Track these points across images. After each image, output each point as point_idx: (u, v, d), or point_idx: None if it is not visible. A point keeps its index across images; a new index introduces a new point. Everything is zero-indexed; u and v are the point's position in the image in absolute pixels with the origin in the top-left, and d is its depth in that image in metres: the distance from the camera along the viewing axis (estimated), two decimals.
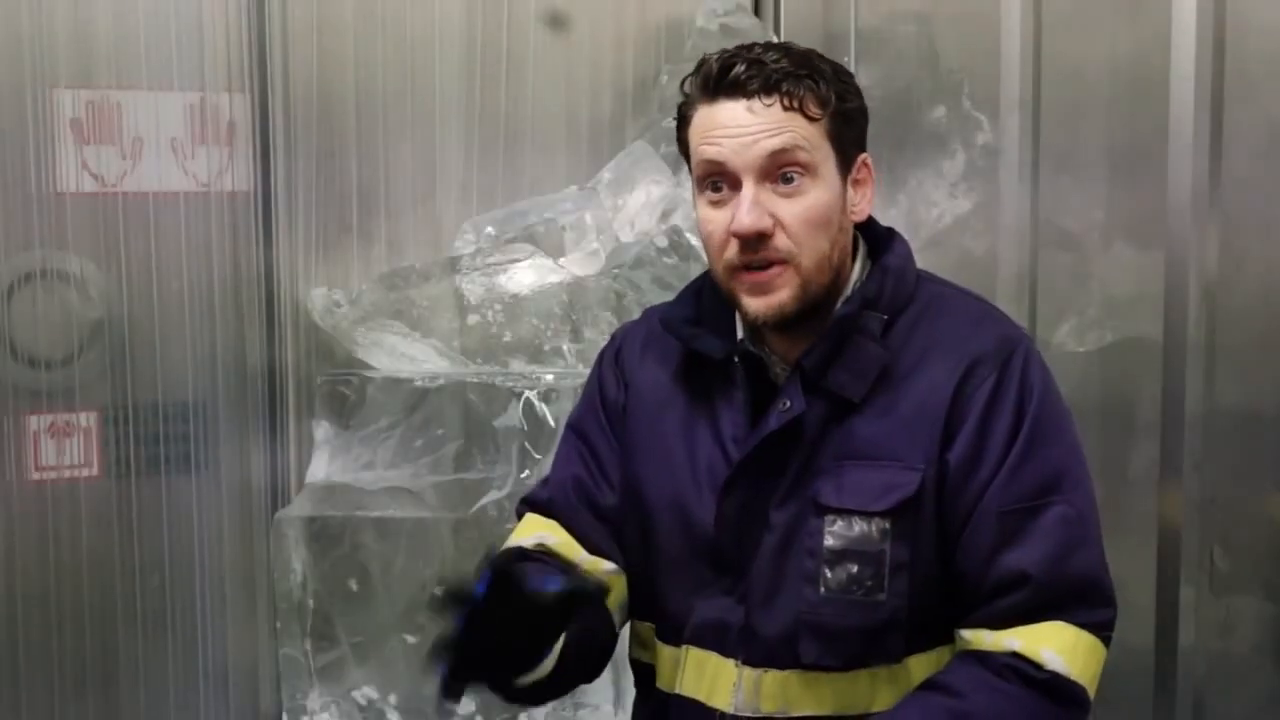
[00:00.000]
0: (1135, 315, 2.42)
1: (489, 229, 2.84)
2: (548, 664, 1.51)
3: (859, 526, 1.52)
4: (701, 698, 1.59)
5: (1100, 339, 2.53)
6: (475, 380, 2.65)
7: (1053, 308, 2.58)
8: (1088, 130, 2.54)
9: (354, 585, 2.64)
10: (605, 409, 1.72)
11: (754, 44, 1.57)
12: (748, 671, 1.56)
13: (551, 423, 2.58)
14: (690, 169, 1.59)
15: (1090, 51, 2.54)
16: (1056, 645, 1.49)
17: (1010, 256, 2.61)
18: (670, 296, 2.31)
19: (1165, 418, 2.27)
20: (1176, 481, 2.25)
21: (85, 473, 2.70)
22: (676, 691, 1.61)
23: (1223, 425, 2.25)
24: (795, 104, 1.50)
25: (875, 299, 1.56)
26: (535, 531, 1.70)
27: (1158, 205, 2.27)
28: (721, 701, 1.57)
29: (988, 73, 2.65)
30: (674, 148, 2.85)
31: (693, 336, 1.62)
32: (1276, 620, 2.31)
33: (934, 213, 2.79)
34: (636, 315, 2.65)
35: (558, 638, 1.48)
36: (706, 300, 1.65)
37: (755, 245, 1.50)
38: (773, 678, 1.55)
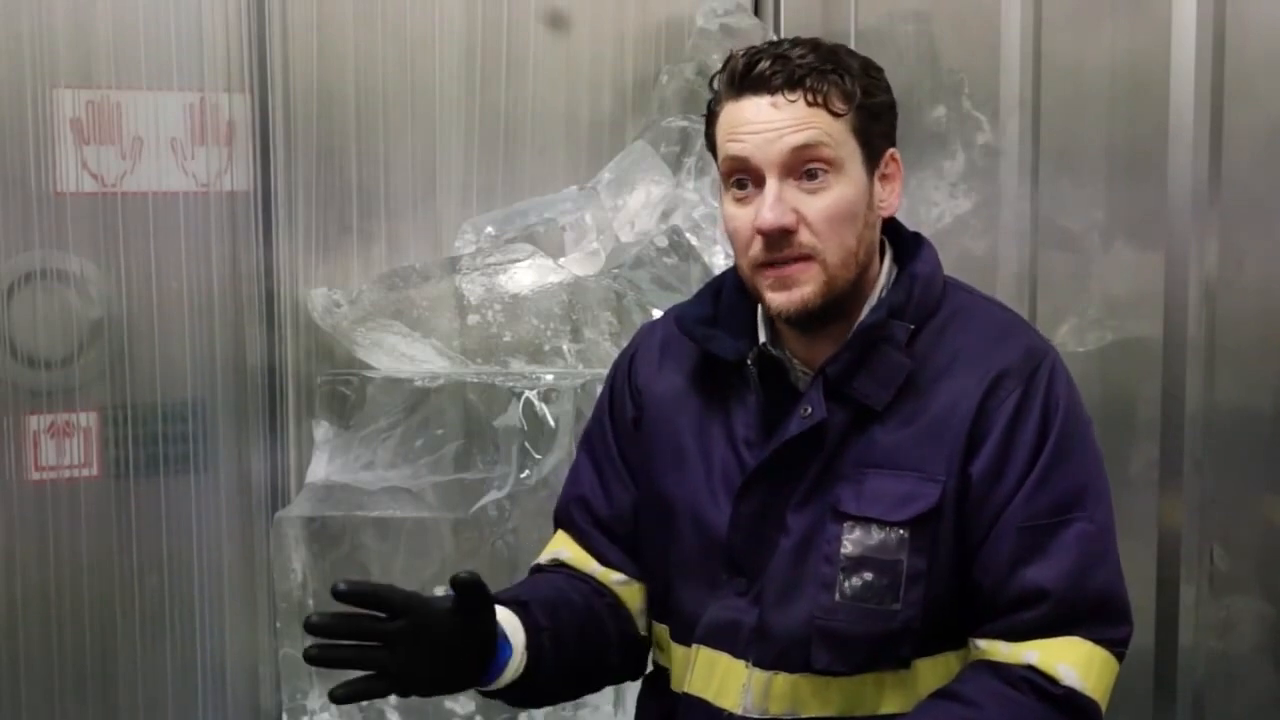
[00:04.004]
0: (1135, 315, 2.41)
1: (489, 229, 2.84)
2: (513, 665, 1.54)
3: (877, 535, 1.51)
4: (710, 698, 1.59)
5: (1100, 339, 2.52)
6: (475, 380, 2.65)
7: (1053, 308, 2.58)
8: (1088, 130, 2.54)
9: None
10: (614, 423, 1.73)
11: (782, 40, 1.57)
12: (757, 673, 1.56)
13: (551, 423, 2.58)
14: (717, 166, 1.58)
15: (1090, 51, 2.54)
16: (1072, 660, 1.49)
17: (1010, 256, 2.61)
18: (670, 296, 2.32)
19: (1165, 418, 2.27)
20: (1176, 481, 2.25)
21: (85, 473, 2.70)
22: (685, 691, 1.62)
23: (1223, 425, 2.25)
24: (819, 99, 1.50)
25: (902, 307, 1.56)
26: (554, 548, 1.75)
27: (1158, 205, 2.27)
28: (730, 702, 1.57)
29: (988, 73, 2.64)
30: (674, 148, 2.89)
31: (707, 338, 1.62)
32: (1276, 620, 2.31)
33: (934, 213, 2.78)
34: (636, 315, 2.67)
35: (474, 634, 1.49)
36: (725, 300, 1.64)
37: (779, 242, 1.50)
38: (782, 680, 1.55)
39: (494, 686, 1.54)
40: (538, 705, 1.64)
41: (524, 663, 1.56)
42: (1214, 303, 2.24)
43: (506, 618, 1.56)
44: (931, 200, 2.79)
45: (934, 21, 2.89)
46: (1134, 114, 2.43)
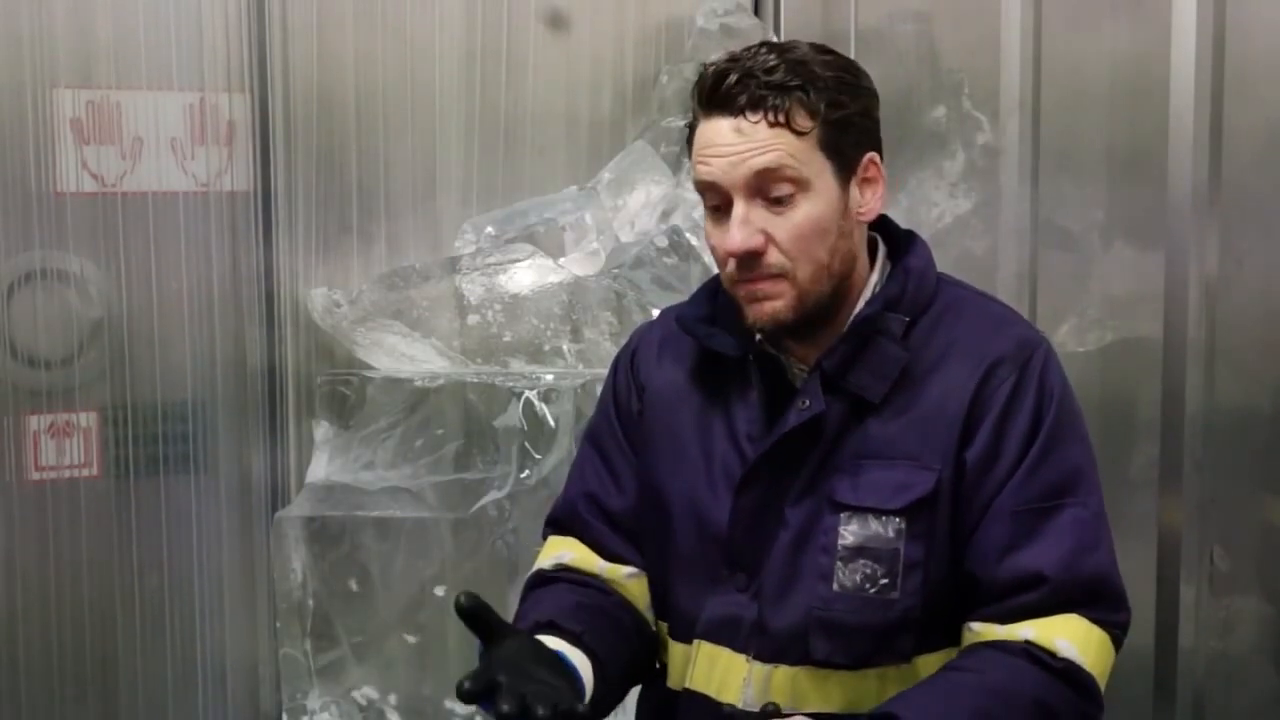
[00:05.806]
0: (1135, 315, 2.42)
1: (489, 229, 2.84)
2: (584, 672, 1.53)
3: (874, 525, 1.52)
4: (711, 693, 1.59)
5: (1100, 339, 2.53)
6: (475, 380, 2.65)
7: (1053, 308, 2.58)
8: (1088, 130, 2.54)
9: (354, 585, 2.64)
10: (619, 416, 1.73)
11: (754, 47, 1.56)
12: (758, 667, 1.56)
13: (551, 423, 2.58)
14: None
15: (1090, 51, 2.54)
16: (1069, 635, 1.50)
17: (1010, 256, 2.62)
18: (670, 296, 2.32)
19: (1165, 418, 2.27)
20: (1176, 481, 2.25)
21: (85, 473, 2.70)
22: (686, 686, 1.62)
23: (1223, 425, 2.25)
24: (781, 119, 1.49)
25: (897, 300, 1.57)
26: (554, 552, 1.74)
27: (1158, 205, 2.27)
28: (731, 696, 1.58)
29: (988, 73, 2.65)
30: (674, 148, 2.90)
31: (708, 335, 1.63)
32: (1276, 620, 2.31)
33: (934, 213, 2.79)
34: (636, 315, 2.67)
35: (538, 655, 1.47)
36: (723, 299, 1.65)
37: (749, 263, 1.51)
38: (783, 674, 1.56)
39: (589, 696, 1.52)
40: (619, 701, 1.64)
41: (591, 667, 1.55)
42: (1214, 303, 2.24)
43: (549, 641, 1.54)
44: (931, 200, 2.80)
45: (934, 21, 2.89)
46: (1134, 114, 2.43)
